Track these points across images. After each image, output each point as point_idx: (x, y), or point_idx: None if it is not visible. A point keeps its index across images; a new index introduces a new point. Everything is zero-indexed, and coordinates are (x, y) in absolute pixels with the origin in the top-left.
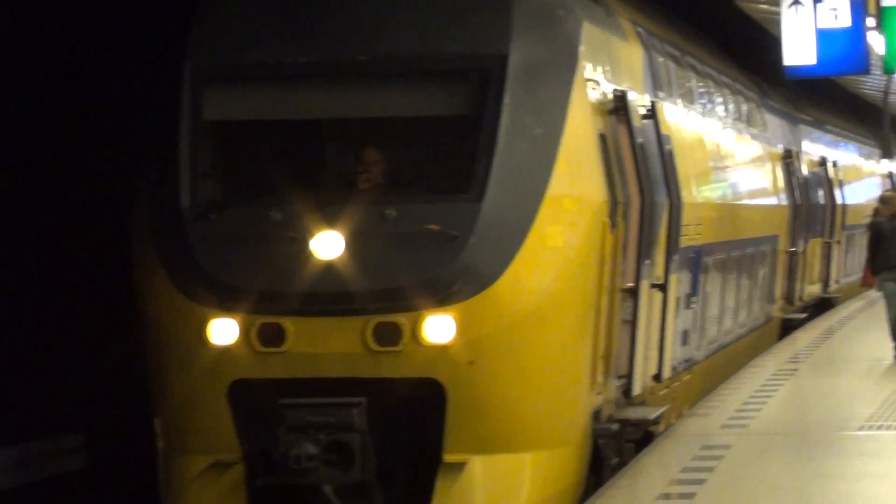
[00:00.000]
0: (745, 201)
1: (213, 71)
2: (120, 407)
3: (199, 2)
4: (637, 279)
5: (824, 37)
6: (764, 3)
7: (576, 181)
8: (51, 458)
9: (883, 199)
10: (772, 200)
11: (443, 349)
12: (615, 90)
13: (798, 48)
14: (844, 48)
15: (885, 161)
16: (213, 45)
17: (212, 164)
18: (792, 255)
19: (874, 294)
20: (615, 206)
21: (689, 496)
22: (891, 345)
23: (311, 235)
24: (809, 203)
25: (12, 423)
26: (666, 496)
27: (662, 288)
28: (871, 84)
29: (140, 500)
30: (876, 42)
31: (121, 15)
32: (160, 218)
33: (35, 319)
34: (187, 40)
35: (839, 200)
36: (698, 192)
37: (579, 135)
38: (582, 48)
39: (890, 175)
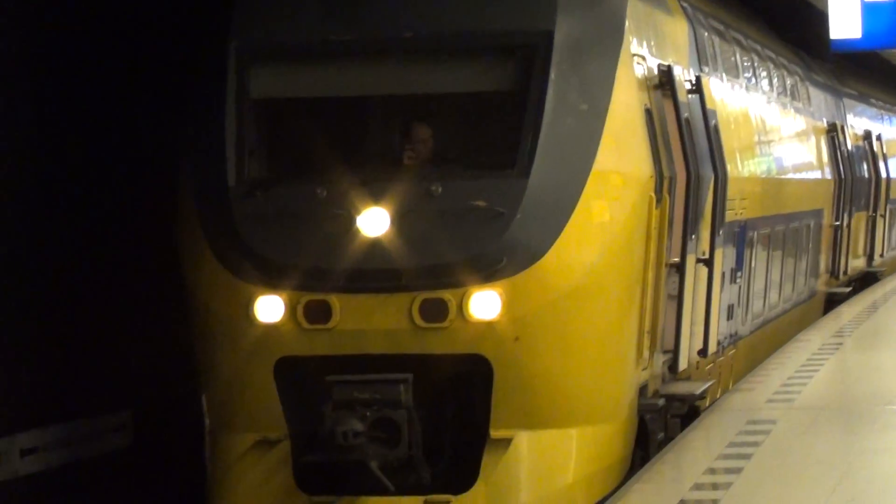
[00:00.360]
0: (789, 175)
1: (259, 49)
2: (167, 385)
3: None
4: (683, 254)
5: (870, 10)
6: None
7: (622, 156)
8: (98, 435)
9: None
10: (816, 174)
11: (489, 325)
12: (660, 65)
13: (844, 21)
14: (891, 21)
15: None
16: (257, 23)
17: (257, 141)
18: (836, 229)
19: None
20: (661, 181)
21: (736, 471)
22: None
23: (357, 212)
24: (854, 177)
25: (60, 401)
26: (712, 471)
27: (708, 263)
28: None
29: (186, 477)
30: None
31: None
32: (206, 196)
33: (83, 299)
34: (232, 18)
35: (884, 174)
36: (743, 167)
37: (625, 110)
38: (627, 23)
39: None
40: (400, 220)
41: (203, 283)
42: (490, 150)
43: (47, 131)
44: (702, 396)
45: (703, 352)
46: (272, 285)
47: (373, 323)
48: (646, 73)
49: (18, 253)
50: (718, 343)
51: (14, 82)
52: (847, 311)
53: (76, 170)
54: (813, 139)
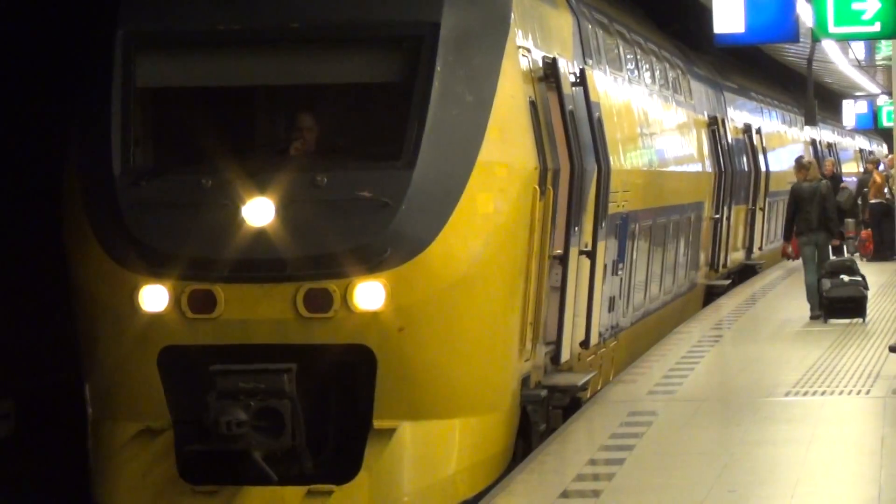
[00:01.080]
0: (671, 168)
1: (146, 37)
2: (50, 374)
3: None
4: (566, 246)
5: (753, 5)
6: None
7: (507, 148)
8: None
9: (801, 165)
10: (697, 167)
11: (373, 315)
12: (545, 57)
13: (728, 16)
14: (774, 16)
15: (808, 128)
16: (145, 12)
17: (143, 130)
18: (716, 222)
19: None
20: (545, 173)
21: (619, 462)
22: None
23: (243, 202)
24: (734, 170)
25: None
26: (594, 462)
27: (590, 255)
28: (796, 51)
29: (69, 466)
30: (803, 10)
31: None
32: (91, 185)
33: None
34: (119, 6)
35: (763, 167)
36: (626, 159)
37: (510, 102)
38: (513, 15)
39: (813, 142)
40: (285, 210)
41: (88, 272)
42: (376, 141)
43: None
44: (583, 388)
45: (584, 343)
46: (157, 274)
47: (257, 313)
48: (531, 65)
49: None
50: (600, 335)
51: None
52: (726, 304)
53: None
54: (694, 132)
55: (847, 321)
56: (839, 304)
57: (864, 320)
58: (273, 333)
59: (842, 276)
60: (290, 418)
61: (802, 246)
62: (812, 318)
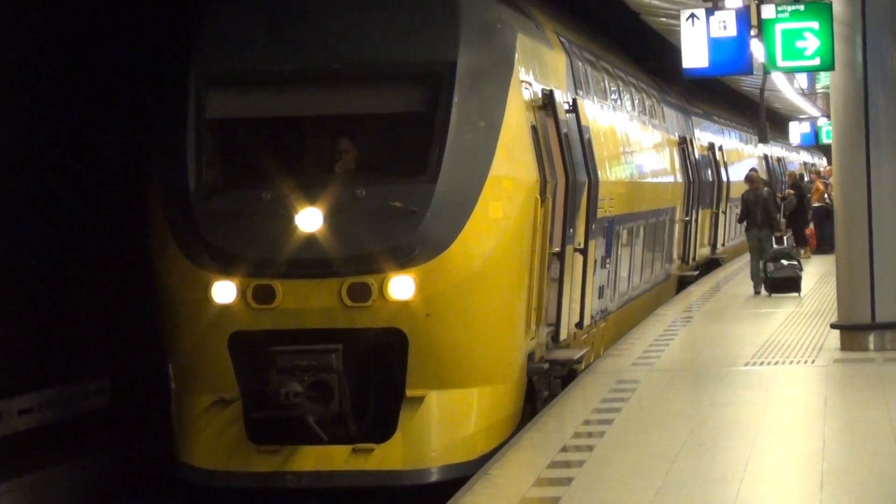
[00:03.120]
0: (648, 179)
1: (214, 77)
2: (139, 355)
3: (200, 17)
4: (563, 244)
5: (715, 44)
6: (664, 17)
7: (513, 165)
8: (82, 397)
9: (749, 179)
10: (670, 178)
11: (405, 304)
12: (544, 89)
13: (694, 53)
14: (732, 53)
15: (761, 145)
16: (213, 55)
17: (213, 154)
18: (686, 224)
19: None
20: (545, 185)
21: (608, 422)
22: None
23: (296, 212)
24: (701, 180)
25: (51, 368)
26: (588, 422)
27: (583, 252)
28: (750, 82)
29: (155, 432)
30: (756, 48)
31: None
32: (171, 198)
33: (72, 287)
34: (192, 51)
35: (724, 178)
36: (611, 173)
37: (515, 127)
38: (517, 55)
39: (765, 157)
40: (331, 218)
41: (169, 271)
42: (405, 160)
43: (35, 140)
44: (578, 361)
45: (579, 324)
46: (226, 272)
47: (309, 303)
48: (532, 96)
49: (15, 247)
50: (592, 317)
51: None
52: (695, 291)
53: (62, 175)
54: (667, 150)
55: (787, 295)
56: (781, 282)
57: (799, 294)
58: (322, 320)
59: (782, 261)
60: (338, 389)
61: (749, 239)
62: (755, 293)
